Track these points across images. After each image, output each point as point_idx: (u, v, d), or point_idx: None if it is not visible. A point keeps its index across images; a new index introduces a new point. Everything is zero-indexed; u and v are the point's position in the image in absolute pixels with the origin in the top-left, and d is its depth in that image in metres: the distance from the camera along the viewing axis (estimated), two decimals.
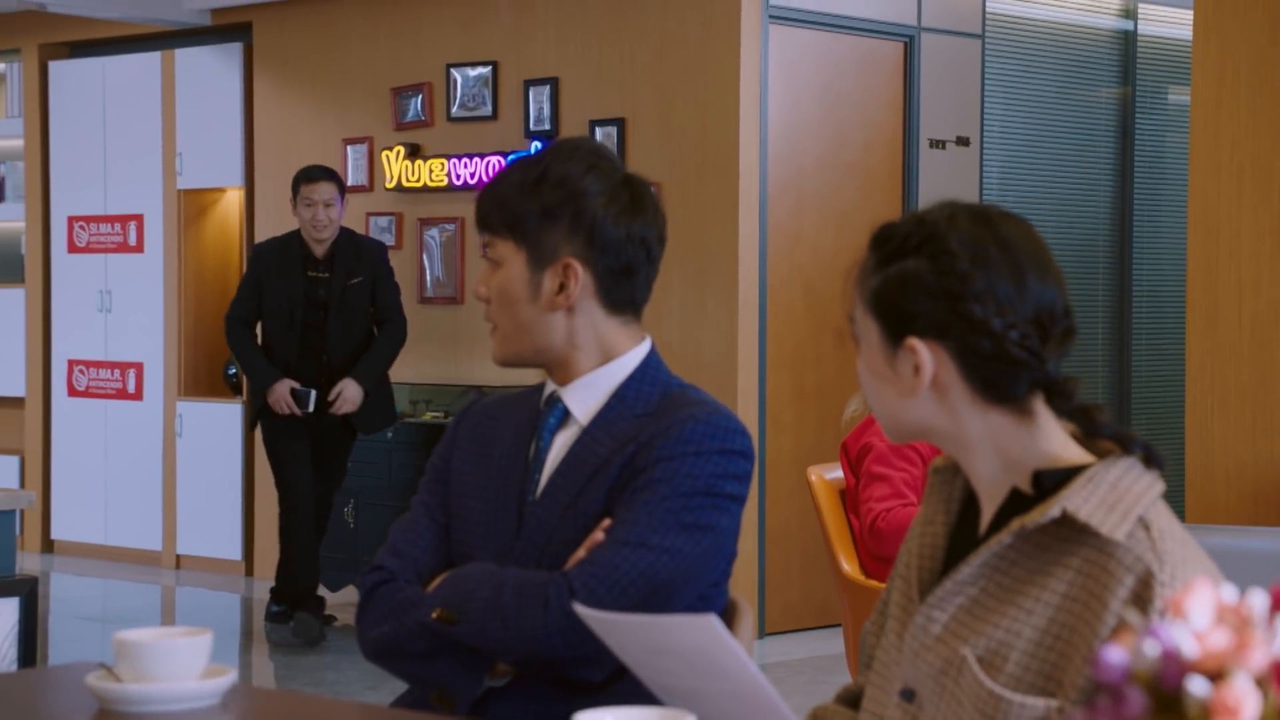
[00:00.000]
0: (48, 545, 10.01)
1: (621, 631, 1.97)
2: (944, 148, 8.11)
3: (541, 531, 2.41)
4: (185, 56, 9.43)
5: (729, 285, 7.31)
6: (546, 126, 7.95)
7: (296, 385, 7.14)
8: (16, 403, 10.29)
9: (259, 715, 2.19)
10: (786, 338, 7.53)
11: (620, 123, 7.71)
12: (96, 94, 9.80)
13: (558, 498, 2.42)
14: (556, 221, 2.43)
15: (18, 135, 10.21)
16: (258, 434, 9.15)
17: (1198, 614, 1.04)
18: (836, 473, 4.66)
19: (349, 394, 7.10)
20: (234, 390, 9.35)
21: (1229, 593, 1.65)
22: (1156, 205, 8.91)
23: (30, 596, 4.17)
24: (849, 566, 4.49)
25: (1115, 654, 1.04)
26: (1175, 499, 7.52)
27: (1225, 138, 5.88)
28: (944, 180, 8.08)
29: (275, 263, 7.27)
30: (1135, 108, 8.93)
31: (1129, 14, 8.91)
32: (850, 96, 7.81)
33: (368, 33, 8.64)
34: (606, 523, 2.36)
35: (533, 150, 7.91)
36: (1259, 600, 1.05)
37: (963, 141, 8.19)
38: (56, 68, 10.01)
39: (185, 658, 2.18)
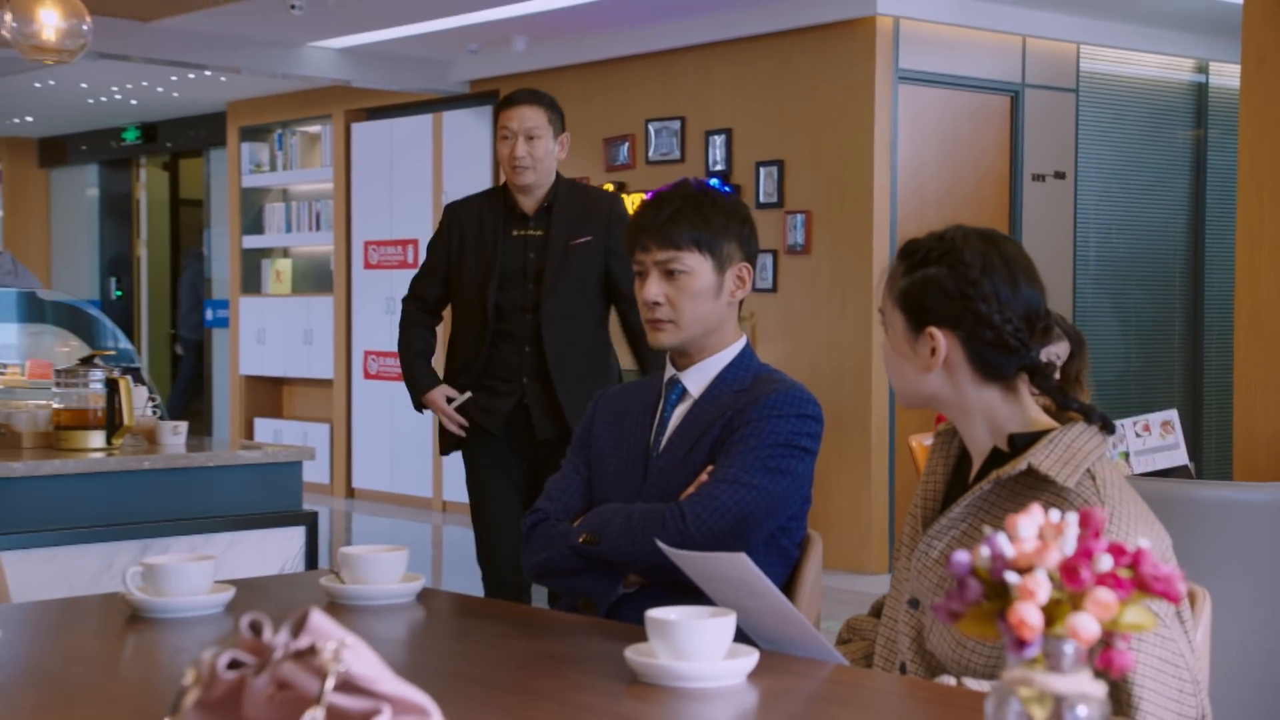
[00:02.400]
0: (349, 492, 10.27)
1: (690, 562, 2.04)
2: (1044, 181, 7.99)
3: (663, 477, 2.46)
4: (450, 117, 9.59)
5: (865, 292, 7.29)
6: (721, 167, 7.97)
7: (455, 394, 4.18)
8: (327, 383, 10.57)
9: (439, 611, 2.28)
10: None
11: (780, 163, 7.72)
12: (385, 146, 10.03)
13: (675, 452, 2.47)
14: (732, 238, 2.48)
15: (328, 180, 10.49)
16: None
17: (1025, 528, 1.12)
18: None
19: None
20: None
21: (1155, 529, 1.70)
22: (1224, 225, 8.66)
23: (311, 526, 4.37)
24: None
25: (962, 556, 1.13)
26: (1225, 460, 7.34)
27: (1267, 169, 5.74)
28: (1044, 208, 7.96)
29: (474, 222, 4.20)
30: (1207, 146, 8.68)
31: (1202, 70, 8.66)
32: (965, 140, 7.73)
33: (586, 96, 8.73)
34: (711, 468, 2.41)
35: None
36: (1072, 519, 1.12)
37: (1060, 175, 8.05)
38: (357, 128, 10.25)
39: (388, 567, 2.29)
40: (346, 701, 1.10)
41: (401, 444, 9.86)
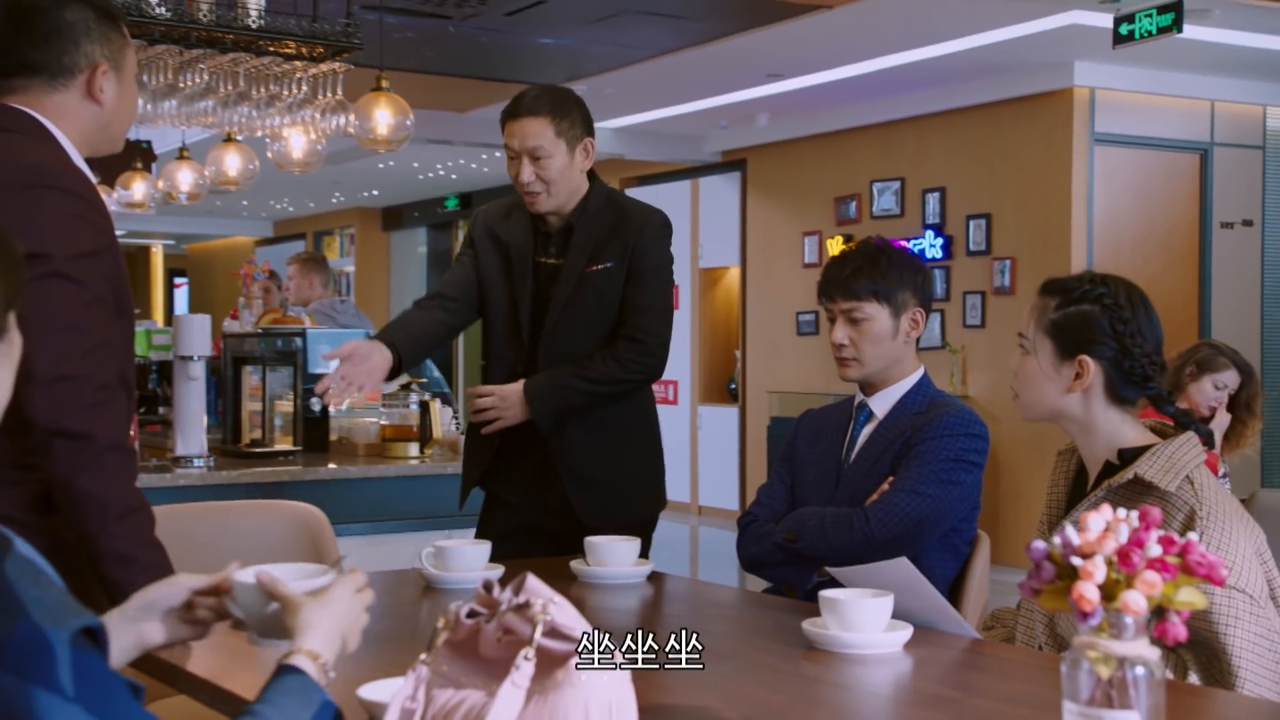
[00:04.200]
0: None
1: (858, 576, 2.03)
2: (1232, 228, 7.61)
3: (852, 486, 2.49)
4: (705, 182, 9.74)
5: None
6: (936, 220, 7.89)
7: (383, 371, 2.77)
8: None
9: (663, 590, 2.37)
10: None
11: (988, 216, 7.60)
12: None
13: (862, 465, 2.50)
14: (907, 287, 2.51)
15: None
16: (751, 424, 9.46)
17: (1094, 523, 1.17)
18: None
19: (506, 400, 2.80)
20: (733, 398, 9.66)
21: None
22: None
23: None
24: None
25: (1039, 544, 1.18)
26: None
27: None
28: (1232, 252, 7.59)
29: (496, 239, 2.91)
30: None
31: None
32: (1157, 193, 7.45)
33: (818, 161, 8.76)
34: (892, 478, 2.44)
35: (924, 238, 7.90)
36: (1134, 516, 1.16)
37: (1247, 223, 7.66)
38: (630, 193, 10.48)
39: (623, 553, 2.40)
40: (551, 644, 1.22)
41: (668, 457, 10.00)
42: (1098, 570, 1.10)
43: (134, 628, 1.43)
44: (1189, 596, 1.12)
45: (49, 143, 1.97)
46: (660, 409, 10.83)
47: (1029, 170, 7.36)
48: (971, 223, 7.67)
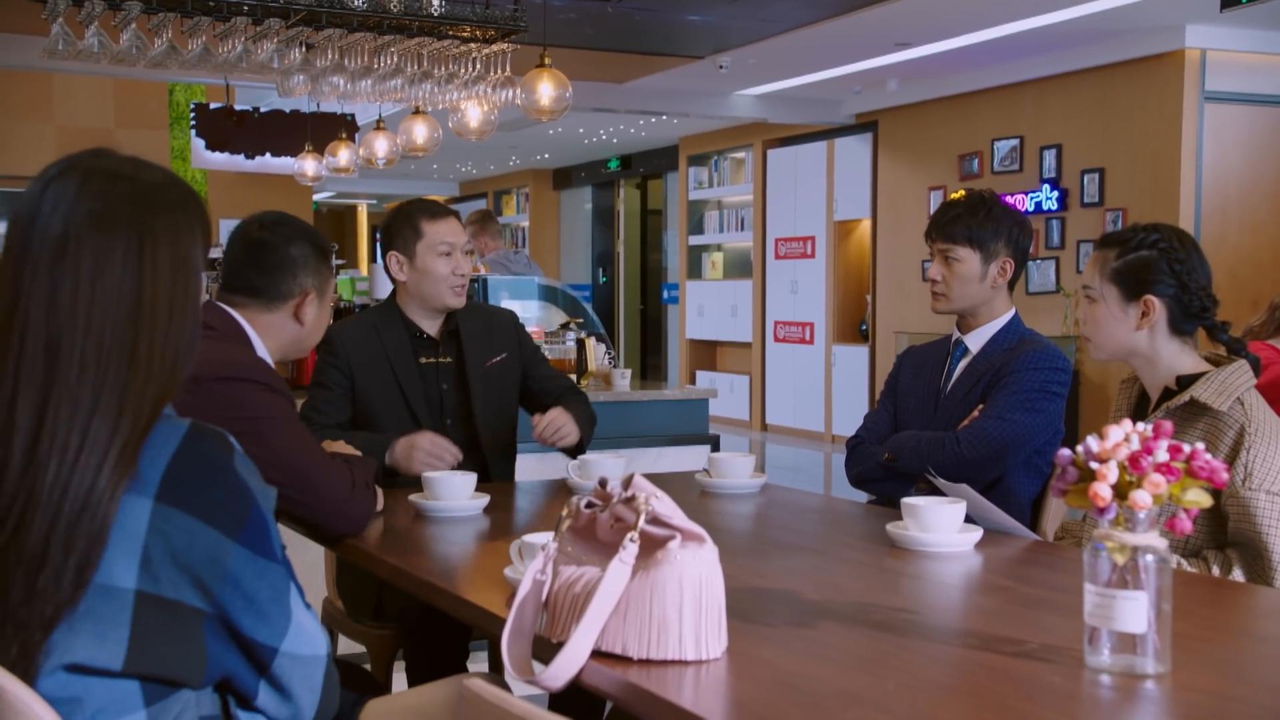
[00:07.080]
0: (763, 426, 10.50)
1: (945, 486, 2.09)
2: None
3: (948, 413, 2.52)
4: (839, 143, 9.63)
5: None
6: (1053, 175, 7.68)
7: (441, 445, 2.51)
8: (747, 345, 10.81)
9: (774, 499, 2.44)
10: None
11: (1101, 170, 7.36)
12: (791, 166, 10.18)
13: (958, 394, 2.53)
14: (1000, 238, 2.51)
15: (749, 193, 10.72)
16: (880, 361, 9.40)
17: (1114, 433, 1.21)
18: None
19: (562, 425, 2.70)
20: (864, 338, 9.59)
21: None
22: None
23: (714, 445, 4.63)
24: None
25: (1065, 451, 1.23)
26: None
27: None
28: None
29: (368, 355, 2.75)
30: None
31: None
32: (1265, 147, 7.08)
33: (944, 122, 8.60)
34: (981, 406, 2.46)
35: (1041, 191, 7.69)
36: (1148, 428, 1.21)
37: None
38: (771, 153, 10.42)
39: (740, 467, 2.47)
40: (653, 529, 1.33)
41: (802, 390, 10.04)
42: (1111, 472, 1.15)
43: None
44: (1196, 496, 1.16)
45: (245, 345, 2.08)
46: (797, 348, 10.67)
47: (1141, 127, 7.09)
48: (1086, 177, 7.44)
